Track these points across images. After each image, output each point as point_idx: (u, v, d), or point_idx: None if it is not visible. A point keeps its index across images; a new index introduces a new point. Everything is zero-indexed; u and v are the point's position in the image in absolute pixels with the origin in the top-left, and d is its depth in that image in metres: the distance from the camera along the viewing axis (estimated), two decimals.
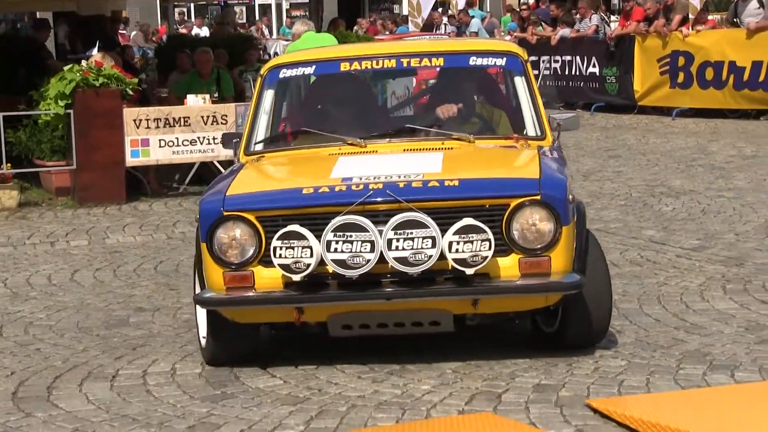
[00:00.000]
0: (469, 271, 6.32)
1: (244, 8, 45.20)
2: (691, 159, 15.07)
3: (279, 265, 6.37)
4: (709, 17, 20.93)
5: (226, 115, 13.76)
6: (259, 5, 46.39)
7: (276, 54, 19.86)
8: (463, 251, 6.28)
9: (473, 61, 8.19)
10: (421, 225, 6.26)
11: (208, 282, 6.69)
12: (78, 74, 13.31)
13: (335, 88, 8.65)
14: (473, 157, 7.47)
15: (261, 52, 21.18)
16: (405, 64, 8.30)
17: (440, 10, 26.58)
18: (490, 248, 6.26)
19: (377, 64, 8.16)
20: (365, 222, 6.31)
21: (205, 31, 26.71)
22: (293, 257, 6.32)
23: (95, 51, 16.02)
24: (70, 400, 6.46)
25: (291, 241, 6.32)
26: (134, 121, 13.42)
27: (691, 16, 20.42)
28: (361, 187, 6.54)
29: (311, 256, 6.31)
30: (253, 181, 7.21)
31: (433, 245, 6.25)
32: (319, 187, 6.62)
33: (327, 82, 8.65)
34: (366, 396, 6.24)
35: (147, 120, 13.51)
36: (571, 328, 6.80)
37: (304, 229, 6.34)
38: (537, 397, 6.08)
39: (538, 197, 6.45)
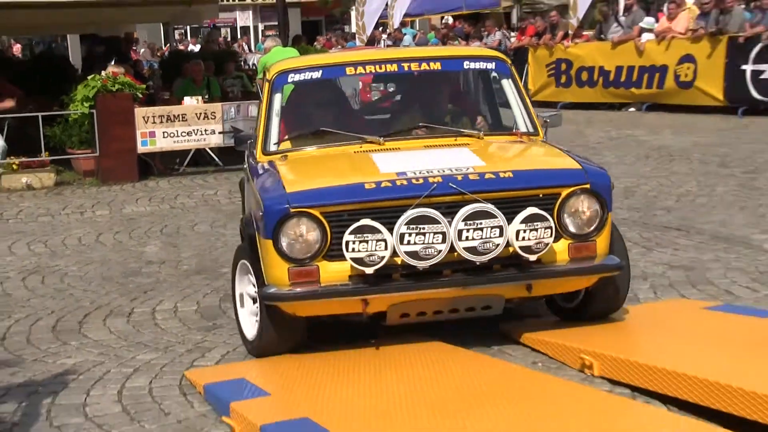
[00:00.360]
0: (533, 258, 5.38)
1: (229, 29, 44.93)
2: (571, 141, 15.06)
3: (352, 258, 5.21)
4: (584, 33, 21.04)
5: (215, 112, 13.65)
6: (241, 27, 46.17)
7: (254, 64, 19.69)
8: (528, 239, 5.30)
9: (467, 65, 7.10)
10: (490, 215, 5.23)
11: (271, 278, 5.42)
12: (99, 82, 13.25)
13: (336, 91, 7.44)
14: (502, 151, 6.35)
15: (242, 63, 21.08)
16: (406, 68, 6.91)
17: (380, 29, 26.52)
18: (551, 235, 5.34)
19: (380, 68, 7.00)
20: (437, 214, 5.21)
21: (197, 48, 26.47)
22: (367, 250, 5.18)
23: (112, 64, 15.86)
24: (96, 332, 6.52)
25: (365, 235, 5.17)
26: (143, 117, 13.33)
27: (570, 32, 20.62)
28: (421, 180, 5.40)
29: (385, 248, 5.18)
30: (304, 178, 5.77)
31: (501, 234, 5.24)
32: (380, 182, 5.43)
33: (324, 87, 7.28)
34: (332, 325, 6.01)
35: (153, 117, 13.42)
36: (595, 304, 5.91)
37: (377, 223, 5.21)
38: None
39: (588, 186, 5.52)
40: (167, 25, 29.88)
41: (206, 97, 14.28)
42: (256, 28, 44.97)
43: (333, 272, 5.35)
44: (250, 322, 5.89)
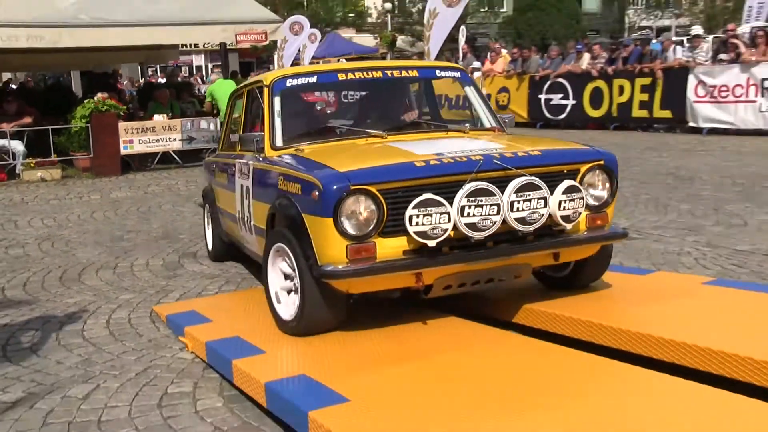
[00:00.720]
0: (569, 226, 4.34)
1: (187, 67, 44.08)
2: None
3: (415, 232, 3.97)
4: None
5: (176, 126, 13.50)
6: (196, 66, 45.39)
7: (203, 92, 19.38)
8: (568, 209, 4.28)
9: (439, 72, 5.74)
10: (536, 187, 4.15)
11: (326, 256, 4.06)
12: (92, 104, 13.02)
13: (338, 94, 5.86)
14: (504, 139, 4.94)
15: (195, 91, 20.77)
16: (390, 75, 5.45)
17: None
18: (583, 205, 4.34)
19: (367, 74, 5.41)
20: (493, 187, 4.07)
21: (164, 80, 25.97)
22: (431, 224, 3.97)
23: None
24: (91, 280, 6.46)
25: (428, 209, 3.96)
26: (125, 129, 13.12)
27: None
28: (464, 158, 4.18)
29: (449, 221, 4.00)
30: (345, 161, 4.26)
31: (545, 205, 4.17)
32: (428, 160, 4.15)
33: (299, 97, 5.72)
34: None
35: (132, 129, 13.22)
36: (585, 272, 4.80)
37: (439, 197, 4.00)
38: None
39: (602, 162, 4.47)
40: (142, 64, 29.27)
41: (170, 115, 14.11)
42: (206, 66, 44.20)
43: (388, 248, 4.09)
44: (285, 304, 4.54)
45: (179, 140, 13.63)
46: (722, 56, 14.46)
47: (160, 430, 3.64)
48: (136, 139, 13.32)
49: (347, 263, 4.03)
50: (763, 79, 13.58)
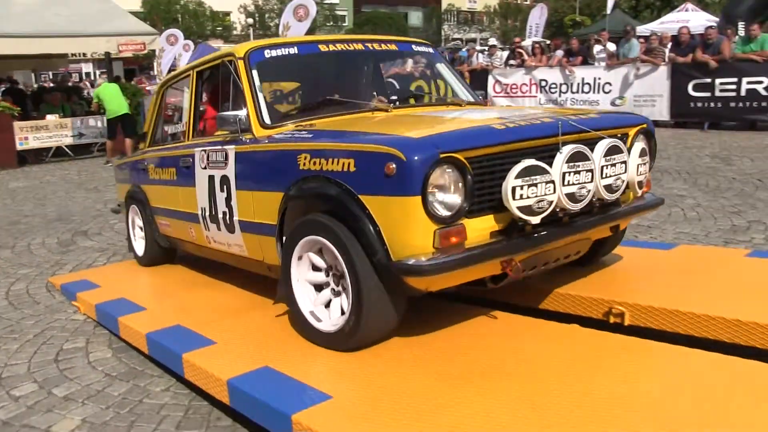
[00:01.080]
0: (640, 191, 3.26)
1: (77, 73, 41.40)
2: None
3: (519, 207, 2.66)
4: None
5: (67, 124, 12.81)
6: (85, 72, 42.73)
7: (90, 94, 18.27)
8: (642, 173, 3.20)
9: (415, 47, 4.33)
10: (620, 150, 3.01)
11: (407, 247, 2.59)
12: None
13: (321, 66, 4.11)
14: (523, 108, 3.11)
15: (84, 94, 19.58)
16: (370, 47, 3.99)
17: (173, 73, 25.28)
18: (649, 169, 3.27)
19: (348, 46, 3.92)
20: (588, 150, 2.85)
21: (53, 85, 24.35)
22: (536, 195, 2.69)
23: None
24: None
25: (533, 178, 2.67)
26: (20, 128, 12.28)
27: None
28: (537, 121, 2.87)
29: (554, 192, 2.74)
30: (400, 128, 2.87)
31: (625, 170, 3.04)
32: (504, 124, 2.79)
33: (307, 62, 3.91)
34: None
35: (27, 127, 12.40)
36: (604, 246, 3.62)
37: (544, 164, 2.72)
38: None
39: (646, 126, 3.31)
40: (35, 70, 27.38)
41: (61, 114, 13.32)
42: (94, 72, 41.72)
43: (475, 231, 2.71)
44: (321, 313, 3.04)
45: (71, 136, 12.92)
46: (512, 62, 15.20)
47: (57, 380, 3.49)
48: (31, 135, 12.49)
49: (433, 253, 2.60)
50: (541, 80, 14.40)
